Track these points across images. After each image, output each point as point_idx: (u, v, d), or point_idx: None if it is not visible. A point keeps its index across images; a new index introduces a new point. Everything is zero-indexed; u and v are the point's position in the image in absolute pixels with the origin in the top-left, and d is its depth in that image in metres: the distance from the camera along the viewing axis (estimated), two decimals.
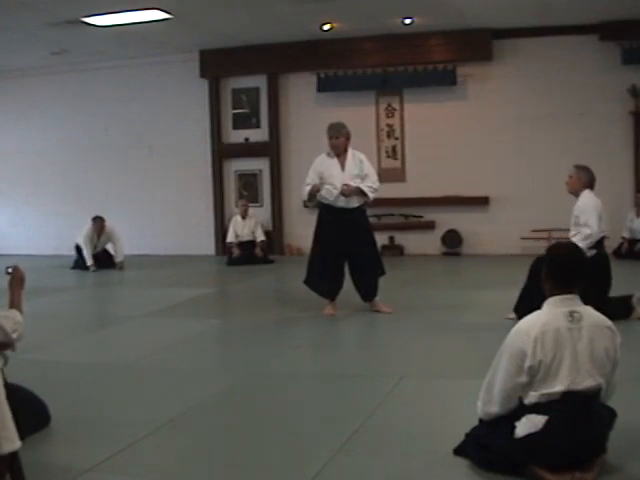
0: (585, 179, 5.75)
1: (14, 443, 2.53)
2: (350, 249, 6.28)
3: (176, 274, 9.97)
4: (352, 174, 6.25)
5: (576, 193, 5.76)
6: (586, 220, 5.62)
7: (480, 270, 9.44)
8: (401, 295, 7.24)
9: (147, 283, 9.29)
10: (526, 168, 10.26)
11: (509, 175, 10.52)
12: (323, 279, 6.38)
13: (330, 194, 6.24)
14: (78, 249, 10.41)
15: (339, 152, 6.28)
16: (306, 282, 6.50)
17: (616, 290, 5.82)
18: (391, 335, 5.74)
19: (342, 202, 6.24)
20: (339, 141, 6.25)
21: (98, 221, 10.36)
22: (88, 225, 10.38)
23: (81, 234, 10.34)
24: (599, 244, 5.67)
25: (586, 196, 5.71)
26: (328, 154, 6.34)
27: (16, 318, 3.29)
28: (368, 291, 6.42)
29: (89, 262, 10.24)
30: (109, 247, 10.58)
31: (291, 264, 10.49)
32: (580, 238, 5.49)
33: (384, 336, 5.84)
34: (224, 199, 11.80)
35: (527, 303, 5.53)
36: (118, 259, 10.38)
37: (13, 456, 2.60)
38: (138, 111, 11.90)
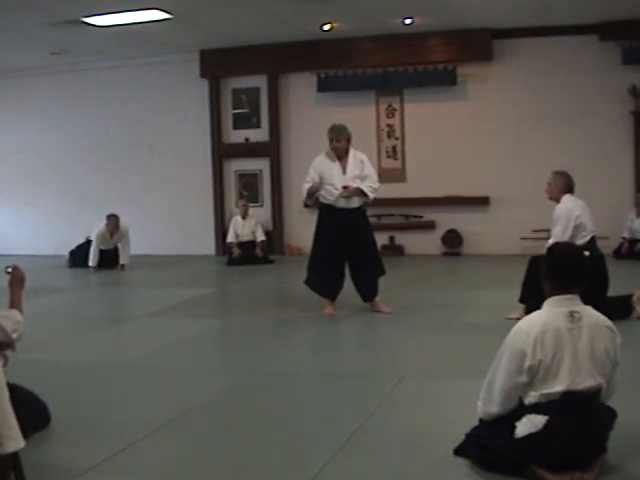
0: (563, 184, 5.75)
1: (18, 442, 2.53)
2: (350, 249, 6.28)
3: (176, 274, 9.97)
4: (353, 175, 6.25)
5: (556, 199, 5.77)
6: (553, 229, 5.65)
7: (480, 270, 9.44)
8: (401, 295, 7.24)
9: (147, 283, 9.29)
10: (526, 168, 10.25)
11: (509, 175, 10.51)
12: (323, 279, 6.38)
13: (331, 194, 6.24)
14: (89, 242, 10.40)
15: (340, 154, 6.28)
16: (307, 282, 6.50)
17: (616, 290, 5.82)
18: (391, 335, 5.74)
19: (343, 202, 6.24)
20: (340, 144, 6.25)
21: (113, 219, 10.32)
22: (103, 223, 10.36)
23: (95, 231, 10.30)
24: (591, 245, 5.66)
25: (564, 202, 5.70)
26: (327, 154, 6.33)
27: (16, 318, 3.30)
28: (368, 291, 6.42)
29: (92, 262, 10.24)
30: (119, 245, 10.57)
31: (291, 264, 10.49)
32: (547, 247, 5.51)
33: (384, 336, 5.84)
34: (224, 199, 11.79)
35: (529, 292, 5.56)
36: (122, 261, 10.38)
37: (13, 456, 2.59)
38: (138, 111, 11.90)
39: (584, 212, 5.70)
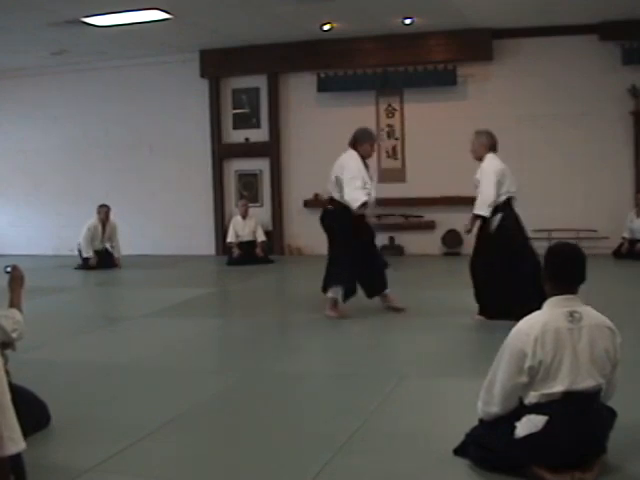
0: (486, 142, 5.88)
1: (19, 445, 2.53)
2: (366, 249, 6.33)
3: (176, 274, 9.97)
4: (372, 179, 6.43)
5: (480, 158, 5.87)
6: (481, 186, 5.76)
7: None
8: (401, 295, 7.20)
9: (147, 283, 9.29)
10: (526, 168, 10.23)
11: None
12: (352, 281, 6.28)
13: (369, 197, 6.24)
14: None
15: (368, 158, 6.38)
16: (338, 284, 6.29)
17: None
18: (391, 335, 5.74)
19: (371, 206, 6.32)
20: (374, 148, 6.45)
21: (104, 208, 10.36)
22: (92, 219, 10.41)
23: (84, 228, 10.37)
24: (508, 206, 5.73)
25: (489, 160, 5.80)
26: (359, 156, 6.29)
27: (16, 317, 3.30)
28: (381, 283, 6.43)
29: (87, 254, 10.25)
30: (109, 246, 10.60)
31: (291, 264, 10.49)
32: (476, 204, 5.72)
33: (384, 336, 5.83)
34: (224, 199, 11.79)
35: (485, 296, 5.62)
36: (116, 254, 10.45)
37: (14, 458, 2.59)
38: (138, 111, 11.90)
39: (506, 171, 5.79)
